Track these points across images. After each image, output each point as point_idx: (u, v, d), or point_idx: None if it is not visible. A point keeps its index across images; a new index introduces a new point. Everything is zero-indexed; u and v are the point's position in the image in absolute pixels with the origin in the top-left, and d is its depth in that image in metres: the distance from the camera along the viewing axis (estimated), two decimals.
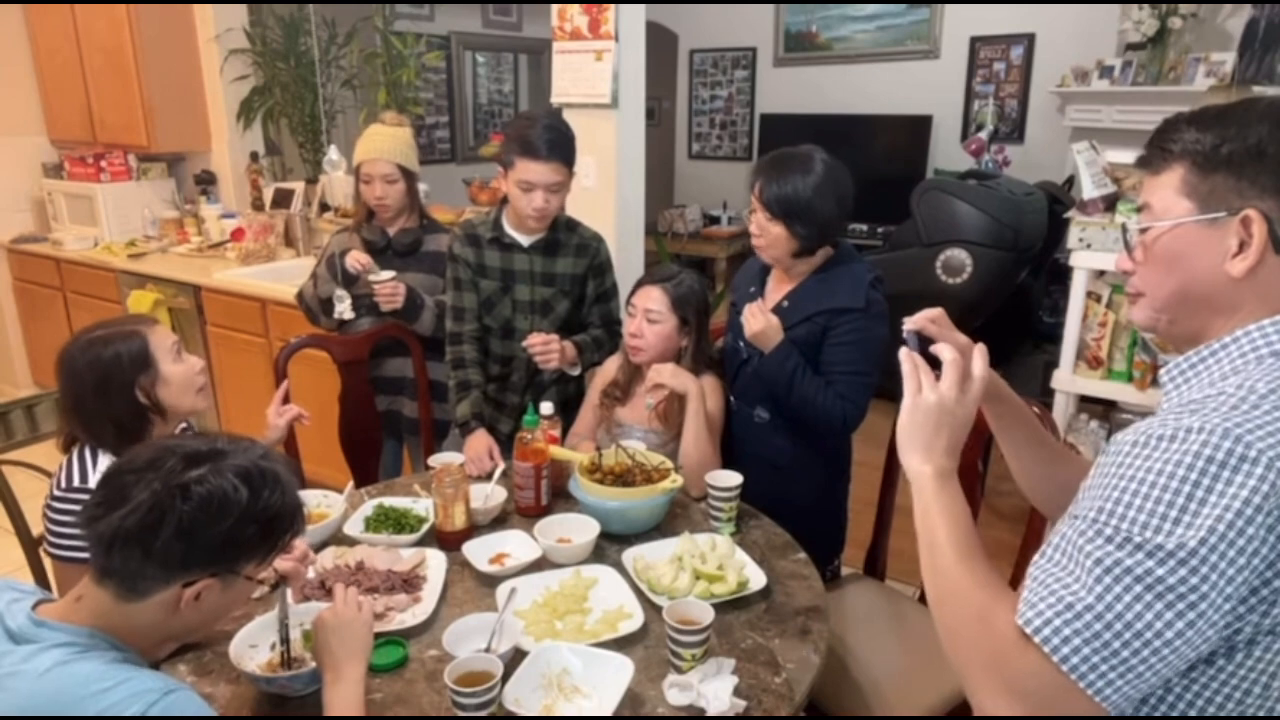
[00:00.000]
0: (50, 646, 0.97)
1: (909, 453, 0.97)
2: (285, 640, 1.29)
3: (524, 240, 2.14)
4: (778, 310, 1.89)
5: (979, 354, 1.00)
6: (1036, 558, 0.83)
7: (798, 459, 1.91)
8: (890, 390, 1.89)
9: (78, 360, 1.52)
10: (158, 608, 1.03)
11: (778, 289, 1.93)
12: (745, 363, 1.95)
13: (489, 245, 2.18)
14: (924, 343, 1.06)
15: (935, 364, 1.01)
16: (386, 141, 2.42)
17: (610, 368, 2.14)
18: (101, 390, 1.52)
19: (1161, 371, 0.92)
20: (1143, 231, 0.91)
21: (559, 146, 2.01)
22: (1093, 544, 0.77)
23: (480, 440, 2.07)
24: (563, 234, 2.17)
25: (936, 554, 0.91)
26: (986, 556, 0.90)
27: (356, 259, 2.39)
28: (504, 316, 2.20)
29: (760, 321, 1.82)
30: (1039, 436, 1.16)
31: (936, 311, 1.09)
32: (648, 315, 1.97)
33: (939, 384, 0.96)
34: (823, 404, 1.80)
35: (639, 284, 2.05)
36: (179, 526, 0.98)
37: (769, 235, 1.83)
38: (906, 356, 0.99)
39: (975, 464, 1.97)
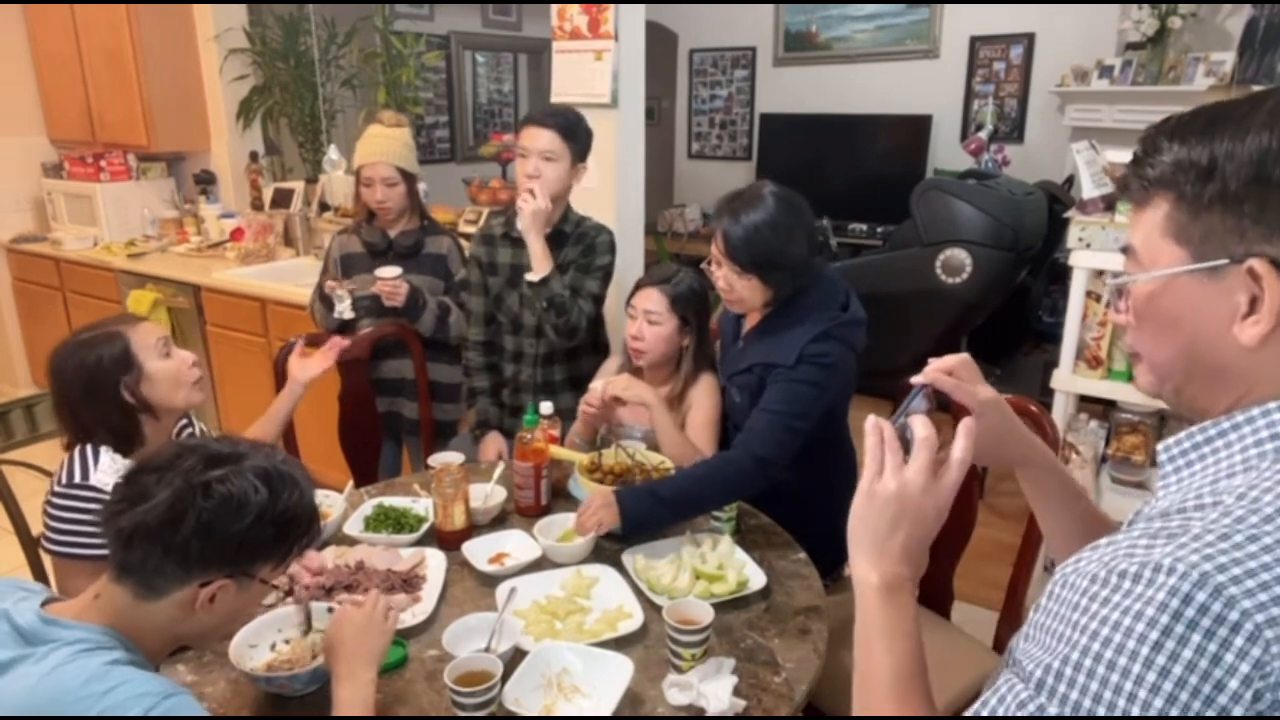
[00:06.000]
0: (60, 646, 0.97)
1: (855, 553, 0.79)
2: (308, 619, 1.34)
3: None
4: (738, 350, 1.88)
5: (964, 432, 0.79)
6: (976, 709, 0.68)
7: (798, 485, 1.83)
8: (886, 390, 1.89)
9: (65, 365, 1.54)
10: (174, 607, 1.03)
11: (752, 317, 1.89)
12: (724, 389, 1.95)
13: (501, 241, 2.23)
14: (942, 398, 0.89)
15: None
16: (385, 144, 2.42)
17: (610, 369, 2.14)
18: (89, 394, 1.53)
19: (1159, 448, 0.72)
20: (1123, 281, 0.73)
21: (557, 116, 2.10)
22: (1028, 708, 0.62)
23: (491, 446, 2.10)
24: (569, 227, 2.20)
25: (869, 689, 0.76)
26: (929, 695, 0.76)
27: (332, 287, 2.46)
28: (512, 311, 2.24)
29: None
30: (1082, 510, 0.97)
31: (954, 360, 0.89)
32: (648, 317, 1.97)
33: (905, 468, 0.77)
34: (720, 479, 1.66)
35: (638, 286, 2.05)
36: (198, 523, 0.99)
37: (741, 290, 1.75)
38: (873, 428, 0.79)
39: (973, 464, 1.96)
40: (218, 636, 1.20)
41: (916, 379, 0.87)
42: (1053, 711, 0.61)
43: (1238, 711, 0.56)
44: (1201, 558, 0.57)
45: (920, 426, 0.78)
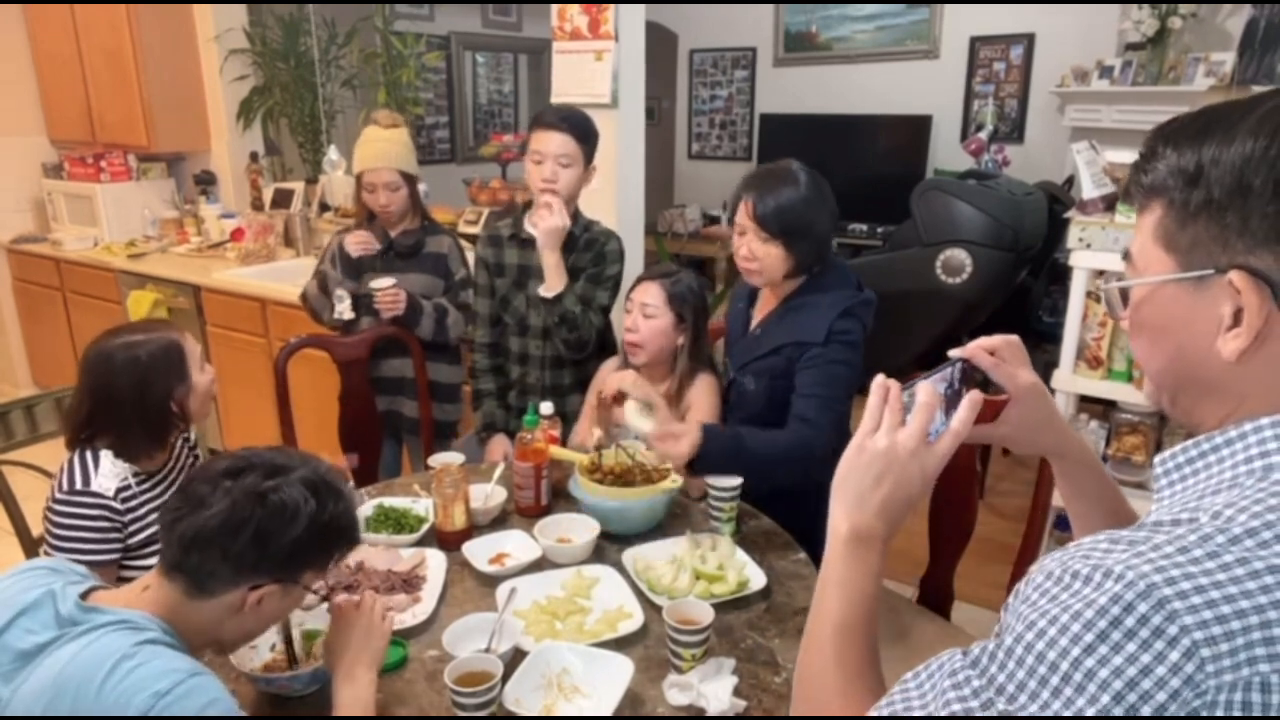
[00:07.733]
0: (96, 626, 1.00)
1: (834, 503, 0.80)
2: (288, 641, 1.30)
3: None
4: (752, 338, 1.90)
5: (966, 404, 0.78)
6: (918, 669, 0.69)
7: (800, 488, 1.81)
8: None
9: (115, 358, 1.52)
10: (221, 608, 1.08)
11: (764, 307, 1.92)
12: (732, 383, 1.95)
13: (508, 243, 2.22)
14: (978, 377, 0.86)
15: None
16: (385, 148, 2.41)
17: (610, 368, 2.14)
18: (138, 392, 1.53)
19: (1155, 462, 0.70)
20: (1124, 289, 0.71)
21: (570, 119, 2.08)
22: (957, 677, 0.64)
23: (497, 449, 2.14)
24: (577, 230, 2.18)
25: (812, 635, 0.78)
26: (871, 649, 0.77)
27: (359, 240, 2.41)
28: (519, 313, 2.23)
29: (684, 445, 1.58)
30: (1115, 509, 0.93)
31: (1000, 340, 0.86)
32: (644, 310, 1.98)
33: (900, 429, 0.78)
34: (788, 448, 1.69)
35: (637, 280, 2.06)
36: (255, 532, 1.04)
37: (765, 258, 1.78)
38: (879, 386, 0.80)
39: (973, 464, 1.97)
40: (254, 638, 1.24)
41: (955, 352, 0.85)
42: (975, 684, 0.62)
43: None
44: (1153, 569, 0.56)
45: (922, 392, 0.78)
